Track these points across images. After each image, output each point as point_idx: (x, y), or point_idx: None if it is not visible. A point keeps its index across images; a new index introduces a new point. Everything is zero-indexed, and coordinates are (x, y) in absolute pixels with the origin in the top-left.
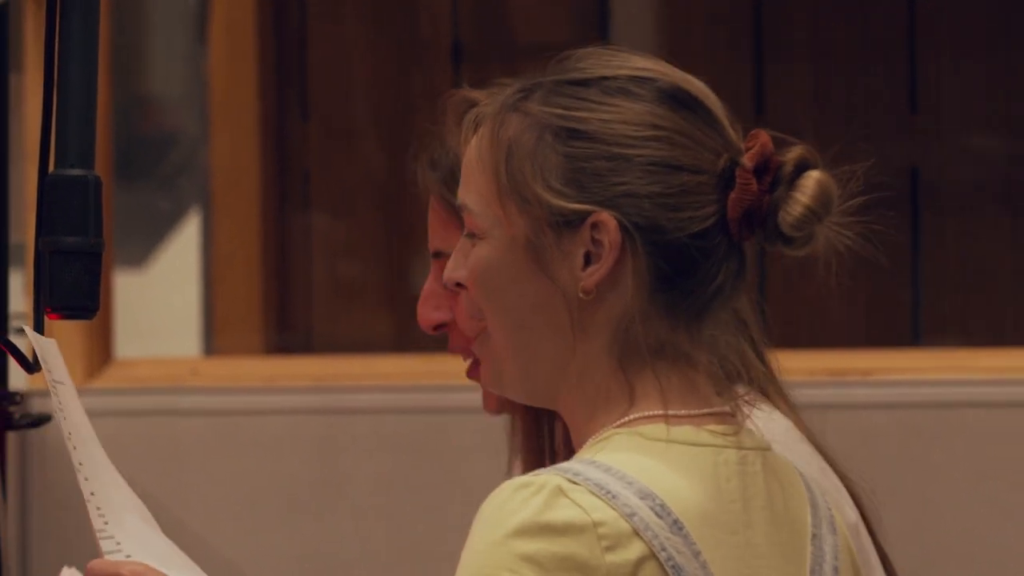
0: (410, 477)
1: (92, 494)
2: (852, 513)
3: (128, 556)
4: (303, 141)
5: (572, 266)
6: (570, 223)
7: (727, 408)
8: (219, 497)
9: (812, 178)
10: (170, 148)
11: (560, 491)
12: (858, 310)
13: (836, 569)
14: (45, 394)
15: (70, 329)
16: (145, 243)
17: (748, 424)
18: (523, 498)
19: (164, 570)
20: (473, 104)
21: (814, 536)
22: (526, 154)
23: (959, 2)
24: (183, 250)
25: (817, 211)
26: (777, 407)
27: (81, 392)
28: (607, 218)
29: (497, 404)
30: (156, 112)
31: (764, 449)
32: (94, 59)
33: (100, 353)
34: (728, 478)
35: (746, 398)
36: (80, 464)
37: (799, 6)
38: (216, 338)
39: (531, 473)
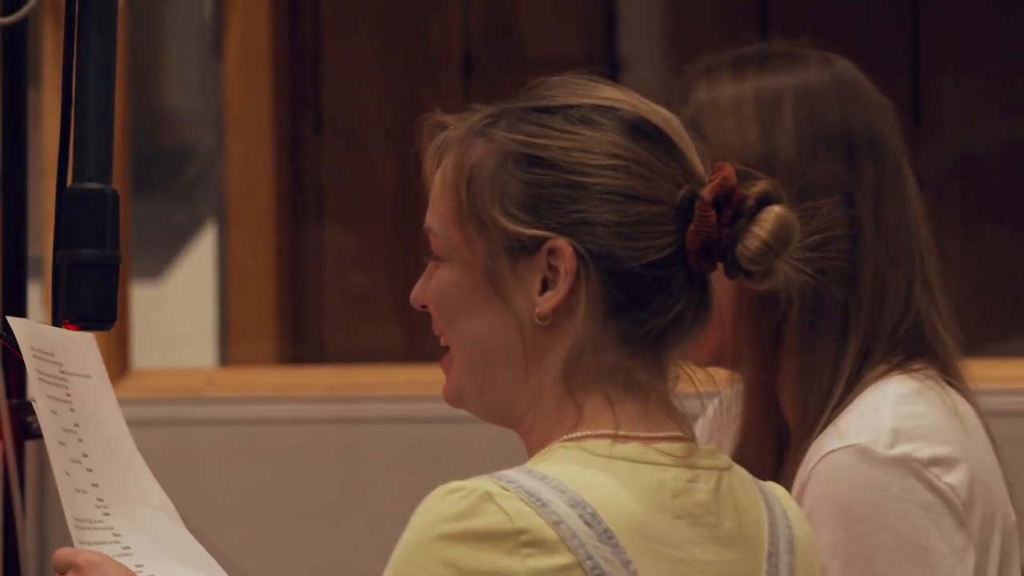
0: (423, 485)
1: (94, 485)
2: (1013, 514)
3: (126, 548)
4: (317, 154)
5: (528, 291)
6: (526, 248)
7: (680, 432)
8: (234, 505)
9: (772, 212)
10: (186, 162)
11: (489, 496)
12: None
13: None
14: None
15: None
16: (161, 255)
17: (709, 446)
18: (451, 502)
19: (162, 566)
20: (444, 128)
21: (770, 555)
22: (486, 179)
23: (961, 17)
24: (199, 262)
25: (774, 246)
26: (963, 392)
27: None
28: (563, 245)
29: None
30: (172, 126)
31: (723, 468)
32: (111, 74)
33: (117, 363)
34: (675, 494)
35: (926, 372)
36: (85, 456)
37: (803, 22)
38: (231, 349)
39: (468, 479)
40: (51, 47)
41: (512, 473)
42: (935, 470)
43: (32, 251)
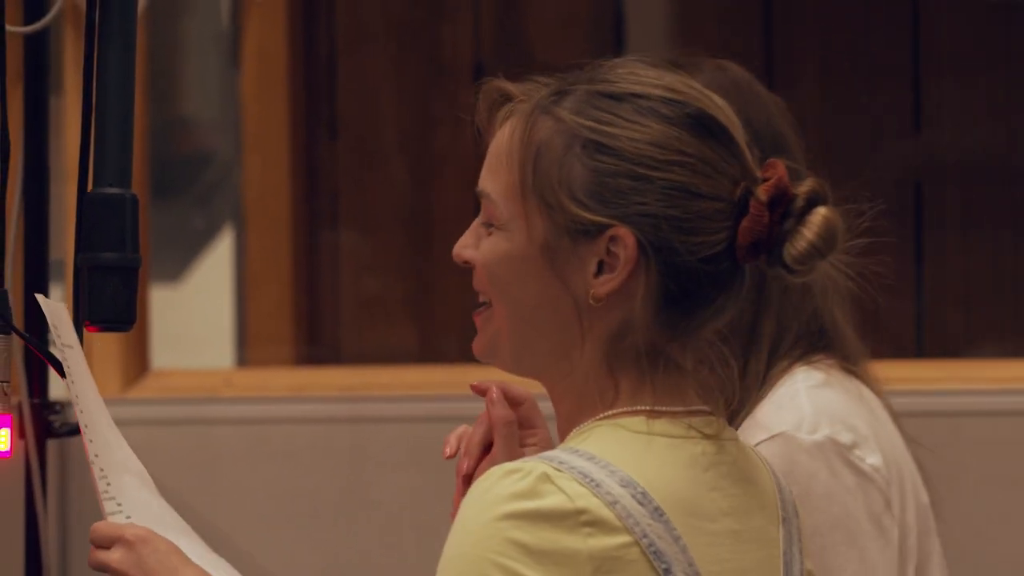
0: (436, 484)
1: (96, 456)
2: (925, 494)
3: (128, 517)
4: (332, 161)
5: (585, 273)
6: (588, 232)
7: (707, 408)
8: (250, 502)
9: (820, 215)
10: (204, 168)
11: (547, 477)
12: (864, 322)
13: (801, 551)
14: None
15: (108, 341)
16: (180, 259)
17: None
18: (511, 483)
19: (161, 532)
20: (506, 95)
21: (784, 519)
22: (554, 160)
23: (961, 24)
24: (216, 265)
25: (821, 248)
26: (865, 381)
27: (118, 402)
28: (626, 233)
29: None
30: (190, 133)
31: (738, 440)
32: (131, 82)
33: (137, 364)
34: (707, 468)
35: (826, 363)
36: (86, 427)
37: (807, 31)
38: (248, 350)
39: (519, 460)
40: (72, 56)
41: (561, 454)
42: (857, 452)
43: (54, 254)
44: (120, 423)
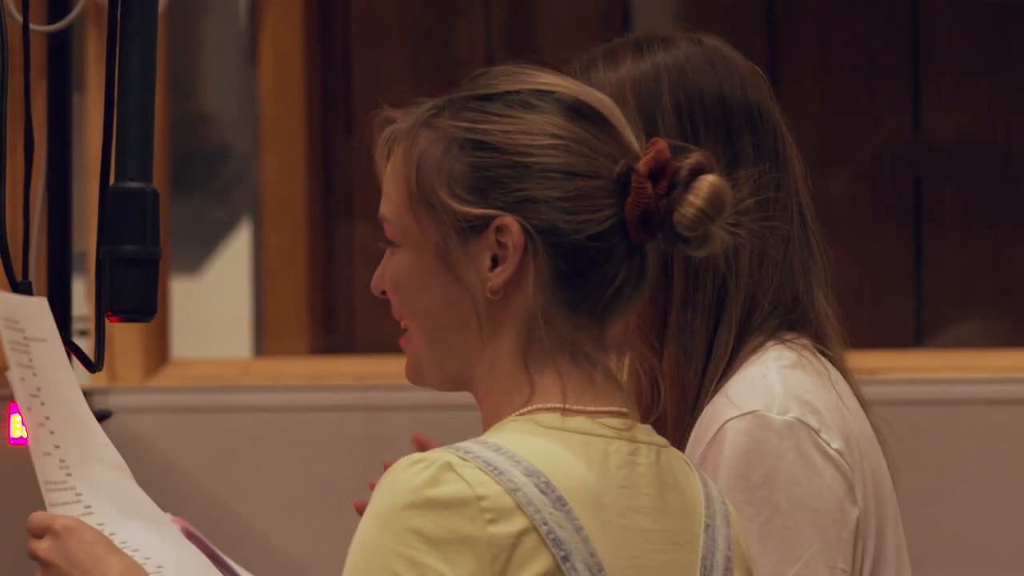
0: None
1: (56, 447)
2: (889, 482)
3: (88, 507)
4: (347, 156)
5: (479, 268)
6: (475, 228)
7: (623, 408)
8: (268, 488)
9: (706, 181)
10: (222, 163)
11: (449, 467)
12: (865, 313)
13: (728, 558)
14: (106, 392)
15: (129, 331)
16: (199, 251)
17: (643, 425)
18: (414, 473)
19: (121, 522)
20: (392, 122)
21: (707, 526)
22: (434, 165)
23: (959, 27)
24: (235, 258)
25: (709, 212)
26: (837, 365)
27: (139, 390)
28: (510, 221)
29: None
30: (209, 129)
31: (660, 445)
32: (151, 80)
33: (157, 354)
34: (619, 466)
35: (799, 342)
36: (47, 418)
37: (809, 31)
38: (266, 340)
39: (428, 451)
40: (94, 54)
41: (469, 444)
42: (824, 436)
43: (77, 247)
44: (140, 411)
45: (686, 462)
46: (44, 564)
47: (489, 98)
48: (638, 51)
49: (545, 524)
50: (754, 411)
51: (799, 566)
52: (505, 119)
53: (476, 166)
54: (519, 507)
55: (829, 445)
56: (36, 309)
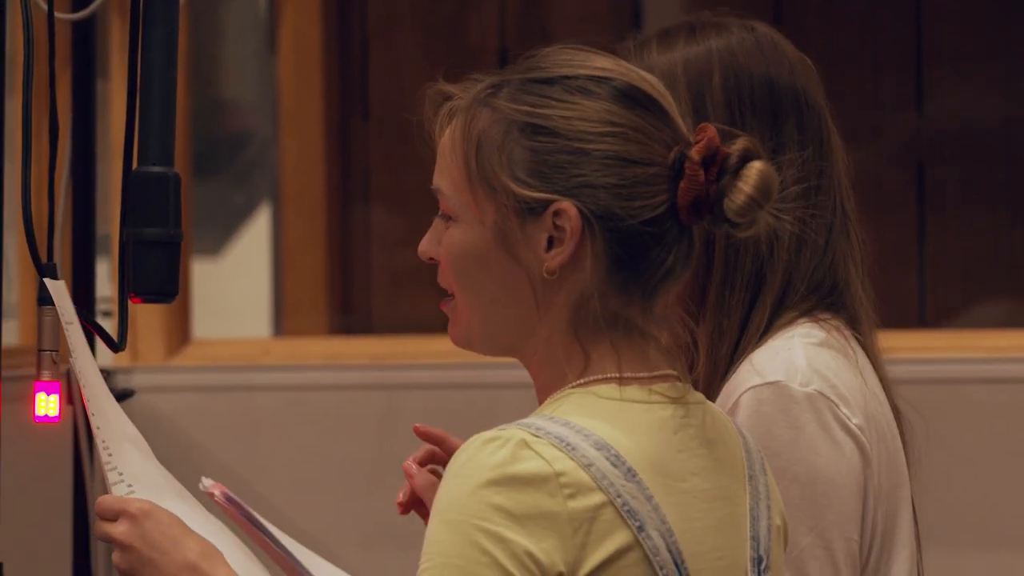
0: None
1: (98, 428)
2: (904, 465)
3: (130, 486)
4: (364, 141)
5: (536, 249)
6: (534, 210)
7: (674, 372)
8: (287, 464)
9: (754, 168)
10: (243, 147)
11: (524, 444)
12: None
13: (769, 506)
14: (128, 371)
15: (152, 312)
16: (220, 234)
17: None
18: (491, 451)
19: (160, 501)
20: (448, 97)
21: (750, 477)
22: (494, 147)
23: (961, 17)
24: (255, 240)
25: (758, 199)
26: (867, 348)
27: (161, 369)
28: (568, 206)
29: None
30: (230, 115)
31: (702, 403)
32: (173, 66)
33: (179, 334)
34: (675, 431)
35: (831, 322)
36: (89, 400)
37: (815, 23)
38: (285, 320)
39: (496, 428)
40: (118, 41)
41: (538, 421)
42: (844, 410)
43: (100, 229)
44: (162, 390)
45: (726, 417)
46: (122, 547)
47: (548, 81)
48: (691, 34)
49: (619, 497)
50: (776, 381)
51: (813, 536)
52: (564, 105)
53: (536, 150)
54: (594, 482)
55: (850, 419)
56: (62, 292)
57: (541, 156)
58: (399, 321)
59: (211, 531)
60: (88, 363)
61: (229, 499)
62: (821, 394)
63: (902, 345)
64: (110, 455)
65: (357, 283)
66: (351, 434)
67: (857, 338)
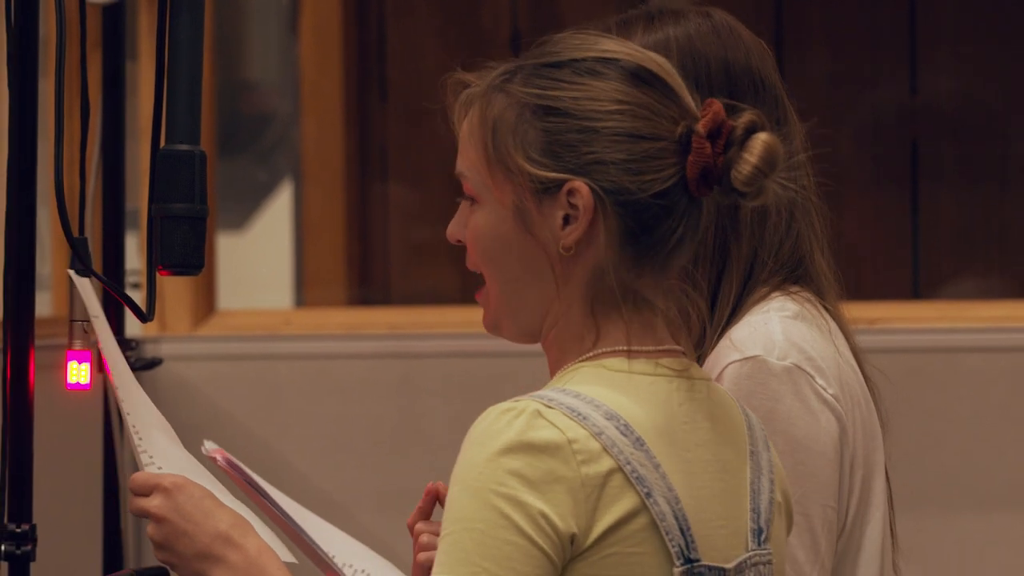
0: (477, 413)
1: (128, 413)
2: (879, 430)
3: (159, 468)
4: (382, 120)
5: (552, 227)
6: (549, 190)
7: (680, 347)
8: (308, 432)
9: (759, 140)
10: (265, 126)
11: (538, 414)
12: (865, 267)
13: (772, 481)
14: (156, 341)
15: (178, 284)
16: (244, 209)
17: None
18: (507, 420)
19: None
20: (466, 85)
21: (752, 452)
22: (509, 130)
23: None
24: (277, 215)
25: (764, 168)
26: (836, 318)
27: (188, 339)
28: (580, 185)
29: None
30: (253, 95)
31: (708, 380)
32: (199, 49)
33: (205, 305)
34: (680, 403)
35: (802, 295)
36: (118, 387)
37: (813, 3)
38: (305, 291)
39: (511, 400)
40: (146, 24)
41: (550, 392)
42: (820, 381)
43: (129, 204)
44: (189, 359)
45: (728, 394)
46: (157, 519)
47: (558, 65)
48: (650, 22)
49: (628, 464)
50: (755, 356)
51: (791, 503)
52: (574, 86)
53: (549, 131)
54: (605, 449)
55: (825, 390)
56: (89, 288)
57: (553, 136)
58: (416, 292)
59: (236, 508)
60: (116, 355)
61: (231, 463)
62: (798, 367)
63: (897, 315)
64: (140, 439)
65: (375, 256)
66: (369, 401)
67: (827, 308)
